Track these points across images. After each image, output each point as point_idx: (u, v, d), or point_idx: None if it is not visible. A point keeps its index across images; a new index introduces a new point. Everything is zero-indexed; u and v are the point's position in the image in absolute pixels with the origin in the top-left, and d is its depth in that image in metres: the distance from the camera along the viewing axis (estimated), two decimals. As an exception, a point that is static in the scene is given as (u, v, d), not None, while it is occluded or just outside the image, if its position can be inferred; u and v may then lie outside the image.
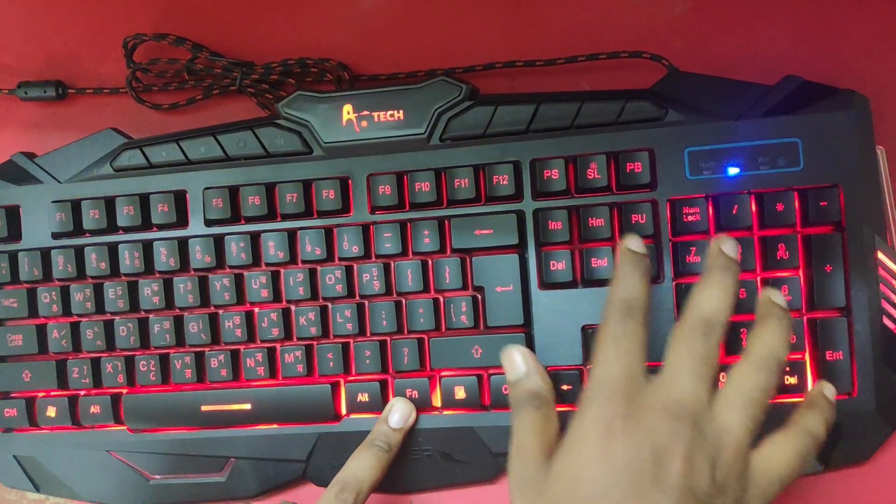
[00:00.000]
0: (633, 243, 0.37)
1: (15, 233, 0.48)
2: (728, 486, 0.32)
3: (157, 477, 0.47)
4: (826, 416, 0.36)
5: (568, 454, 0.33)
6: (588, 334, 0.42)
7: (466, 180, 0.43)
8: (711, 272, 0.36)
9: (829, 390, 0.38)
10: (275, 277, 0.45)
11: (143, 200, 0.46)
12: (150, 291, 0.46)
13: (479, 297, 0.43)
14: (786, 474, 0.34)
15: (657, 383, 0.34)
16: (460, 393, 0.43)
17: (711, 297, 0.35)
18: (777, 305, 0.36)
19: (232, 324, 0.45)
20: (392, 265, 0.44)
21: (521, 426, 0.36)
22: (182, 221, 0.46)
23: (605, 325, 0.35)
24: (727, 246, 0.36)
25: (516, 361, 0.39)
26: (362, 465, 0.41)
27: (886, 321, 0.40)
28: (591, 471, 0.32)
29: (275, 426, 0.45)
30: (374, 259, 0.44)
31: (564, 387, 0.42)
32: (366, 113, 0.44)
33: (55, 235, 0.47)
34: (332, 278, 0.44)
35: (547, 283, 0.43)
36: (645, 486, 0.31)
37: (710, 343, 0.34)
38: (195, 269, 0.46)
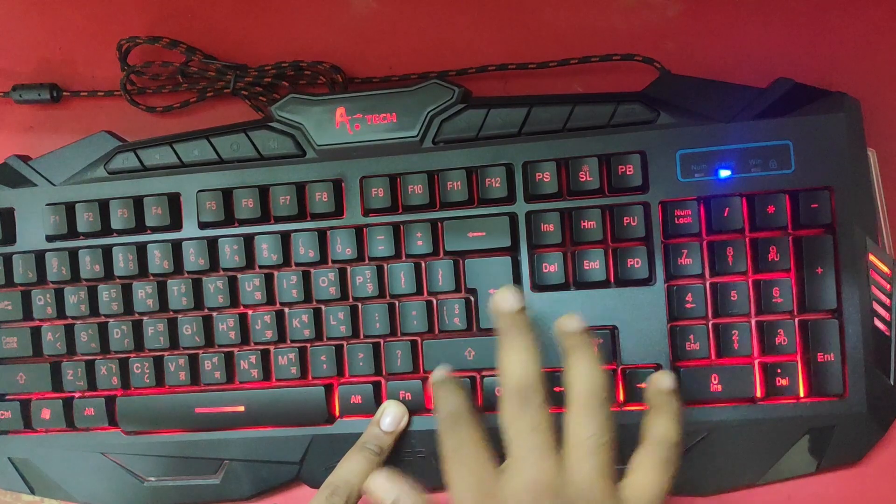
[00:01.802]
0: (508, 301, 0.36)
1: (9, 235, 0.48)
2: None
3: (152, 479, 0.47)
4: (672, 413, 0.37)
5: None
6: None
7: (459, 183, 0.43)
8: (502, 335, 0.36)
9: (663, 382, 0.37)
10: (268, 280, 0.45)
11: (137, 203, 0.46)
12: (143, 294, 0.46)
13: (472, 299, 0.43)
14: (658, 492, 0.35)
15: (508, 472, 0.35)
16: (453, 395, 0.43)
17: (513, 364, 0.35)
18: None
19: (226, 326, 0.45)
20: (385, 267, 0.44)
21: None
22: (176, 224, 0.46)
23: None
24: (507, 300, 0.36)
25: (384, 488, 0.40)
26: (353, 469, 0.41)
27: (877, 323, 0.41)
28: None
29: (269, 428, 0.45)
30: (367, 261, 0.44)
31: (557, 389, 0.42)
32: (359, 115, 0.45)
33: (49, 238, 0.47)
34: (325, 280, 0.44)
35: (539, 286, 0.43)
36: None
37: (531, 411, 0.34)
38: (189, 272, 0.46)
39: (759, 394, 0.41)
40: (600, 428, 0.34)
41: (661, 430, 0.36)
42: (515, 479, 0.34)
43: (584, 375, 0.35)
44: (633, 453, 0.36)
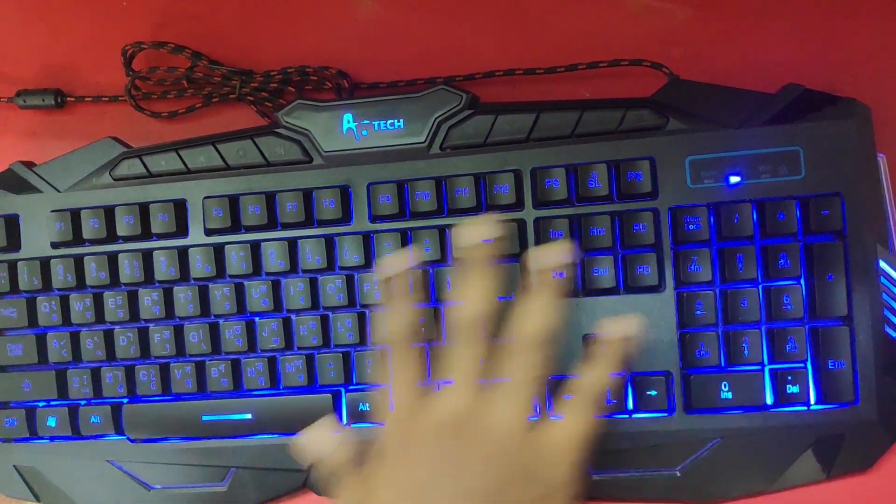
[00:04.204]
0: (391, 265, 0.38)
1: (14, 242, 0.47)
2: (525, 473, 0.34)
3: (158, 486, 0.47)
4: (610, 362, 0.37)
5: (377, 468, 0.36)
6: (590, 343, 0.42)
7: (467, 189, 0.43)
8: (467, 266, 0.37)
9: (619, 329, 0.37)
10: (275, 287, 0.45)
11: (143, 210, 0.46)
12: (150, 301, 0.46)
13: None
14: (572, 436, 0.36)
15: (436, 397, 0.36)
16: (461, 402, 0.43)
17: (470, 297, 0.37)
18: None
19: (232, 333, 0.45)
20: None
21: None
22: (182, 231, 0.46)
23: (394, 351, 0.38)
24: (464, 235, 0.37)
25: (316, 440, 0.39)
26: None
27: (888, 330, 0.40)
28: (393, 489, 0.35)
29: (276, 435, 0.45)
30: (374, 268, 0.44)
31: (566, 396, 0.42)
32: (366, 122, 0.44)
33: (54, 245, 0.47)
34: (332, 287, 0.44)
35: (548, 292, 0.43)
36: (444, 499, 0.33)
37: (471, 343, 0.36)
38: (195, 279, 0.46)
39: (769, 401, 0.41)
40: (528, 368, 0.36)
41: (595, 375, 0.37)
42: (437, 403, 0.36)
43: (530, 314, 0.36)
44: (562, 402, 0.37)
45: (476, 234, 0.37)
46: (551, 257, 0.37)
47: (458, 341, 0.37)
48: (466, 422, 0.35)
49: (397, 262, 0.39)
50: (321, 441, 0.38)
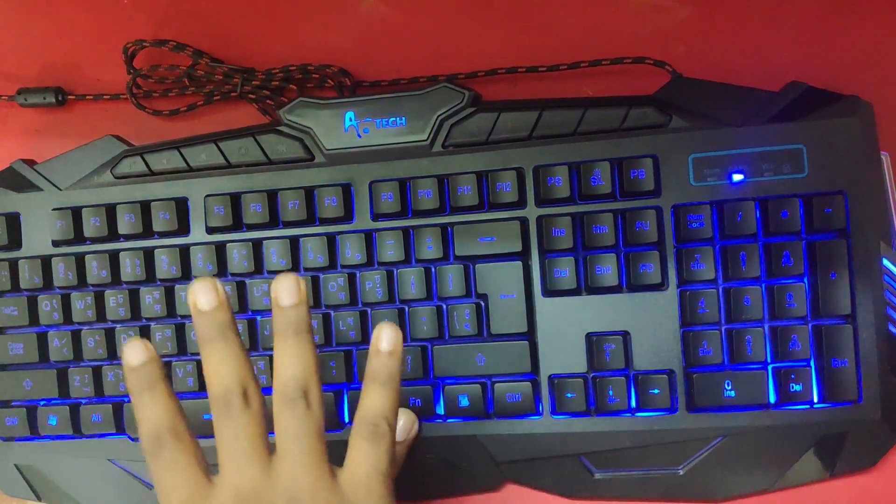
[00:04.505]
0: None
1: (15, 240, 0.47)
2: None
3: (159, 486, 0.46)
4: (384, 380, 0.35)
5: None
6: (592, 341, 0.42)
7: (469, 187, 0.43)
8: (203, 339, 0.34)
9: (381, 342, 0.35)
10: (277, 285, 0.45)
11: (145, 208, 0.46)
12: (151, 299, 0.46)
13: (483, 304, 0.43)
14: (371, 470, 0.34)
15: (216, 484, 0.33)
16: (463, 401, 0.43)
17: (215, 368, 0.33)
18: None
19: (234, 332, 0.45)
20: (395, 272, 0.44)
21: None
22: (183, 229, 0.46)
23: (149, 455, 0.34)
24: (205, 297, 0.34)
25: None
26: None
27: (892, 328, 0.40)
28: None
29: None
30: (376, 266, 0.44)
31: (569, 395, 0.42)
32: (368, 119, 0.44)
33: (56, 243, 0.47)
34: (334, 286, 0.44)
35: (551, 291, 0.43)
36: None
37: (234, 417, 0.33)
38: (197, 277, 0.45)
39: (772, 400, 0.41)
40: (300, 418, 0.33)
41: (369, 401, 0.35)
42: (220, 490, 0.33)
43: (285, 361, 0.34)
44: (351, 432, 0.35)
45: (211, 298, 0.34)
46: (284, 293, 0.34)
47: (217, 419, 0.33)
48: (255, 500, 0.32)
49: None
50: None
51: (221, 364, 0.33)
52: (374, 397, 0.35)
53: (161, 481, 0.33)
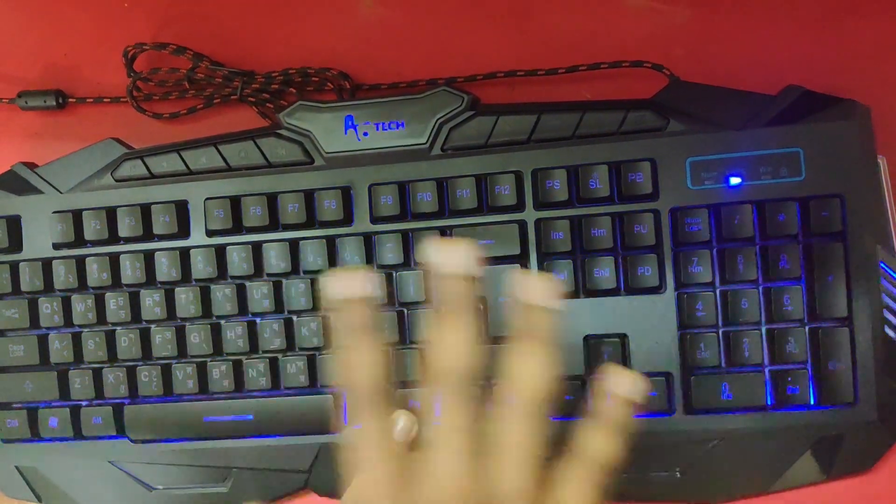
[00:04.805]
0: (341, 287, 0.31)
1: (16, 243, 0.48)
2: None
3: (159, 487, 0.47)
4: (618, 428, 0.32)
5: None
6: (590, 344, 0.42)
7: (468, 190, 0.43)
8: (445, 310, 0.31)
9: (622, 387, 0.32)
10: (276, 287, 0.45)
11: (145, 211, 0.46)
12: (151, 302, 0.46)
13: (481, 307, 0.43)
14: None
15: (426, 474, 0.31)
16: (463, 403, 0.43)
17: (450, 348, 0.31)
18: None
19: (234, 334, 0.45)
20: (394, 275, 0.44)
21: None
22: (183, 232, 0.46)
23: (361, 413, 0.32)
24: (446, 266, 0.31)
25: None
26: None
27: (888, 331, 0.41)
28: None
29: (277, 437, 0.45)
30: (375, 269, 0.44)
31: (567, 397, 0.42)
32: (367, 123, 0.44)
33: (56, 246, 0.47)
34: (333, 288, 0.44)
35: (549, 294, 0.43)
36: None
37: (460, 405, 0.30)
38: (197, 280, 0.46)
39: (769, 402, 0.41)
40: (535, 436, 0.31)
41: (601, 445, 0.32)
42: (433, 484, 0.30)
43: (530, 372, 0.31)
44: (563, 461, 0.32)
45: (456, 264, 0.30)
46: (541, 294, 0.31)
47: (443, 399, 0.30)
48: (463, 499, 0.30)
49: (349, 283, 0.31)
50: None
51: (459, 339, 0.30)
52: (611, 441, 0.32)
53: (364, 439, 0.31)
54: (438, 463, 0.31)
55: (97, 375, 0.47)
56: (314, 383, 0.45)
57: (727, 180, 0.41)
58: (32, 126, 0.52)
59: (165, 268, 0.46)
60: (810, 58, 0.45)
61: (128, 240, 0.46)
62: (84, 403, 0.47)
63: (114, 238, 0.46)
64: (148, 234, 0.46)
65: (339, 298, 0.31)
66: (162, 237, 0.46)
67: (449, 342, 0.31)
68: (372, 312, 0.31)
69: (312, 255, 0.44)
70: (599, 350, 0.42)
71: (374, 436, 0.32)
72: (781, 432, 0.41)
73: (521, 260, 0.43)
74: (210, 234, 0.46)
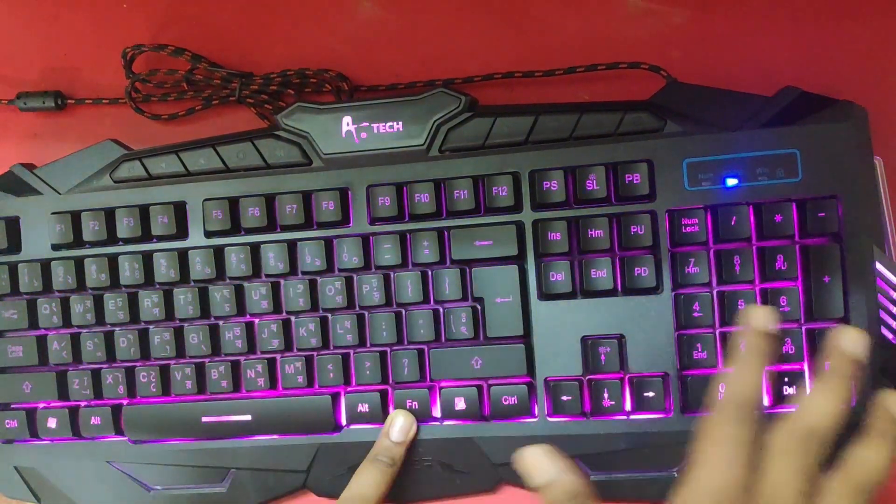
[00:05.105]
0: (760, 319, 0.35)
1: (14, 244, 0.48)
2: None
3: (158, 488, 0.47)
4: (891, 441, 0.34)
5: None
6: (587, 345, 0.42)
7: (466, 191, 0.43)
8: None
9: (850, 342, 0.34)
10: (275, 288, 0.45)
11: (143, 212, 0.46)
12: (150, 303, 0.46)
13: (479, 307, 0.43)
14: None
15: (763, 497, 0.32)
16: (460, 404, 0.43)
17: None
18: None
19: (232, 335, 0.45)
20: (392, 276, 0.44)
21: None
22: (182, 233, 0.46)
23: (713, 423, 0.34)
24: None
25: (543, 464, 0.37)
26: (368, 482, 0.41)
27: (885, 331, 0.41)
28: None
29: (275, 437, 0.45)
30: (373, 270, 0.44)
31: (564, 397, 0.42)
32: (365, 124, 0.45)
33: (55, 247, 0.47)
34: (332, 289, 0.44)
35: (547, 294, 0.43)
36: None
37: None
38: (195, 281, 0.46)
39: (766, 402, 0.41)
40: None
41: (872, 462, 0.33)
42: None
43: (871, 459, 0.33)
44: (832, 474, 0.33)
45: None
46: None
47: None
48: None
49: (761, 317, 0.35)
50: (546, 465, 0.36)
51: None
52: (880, 452, 0.34)
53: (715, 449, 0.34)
54: (779, 494, 0.32)
55: (96, 376, 0.47)
56: (312, 384, 0.45)
57: (724, 181, 0.42)
58: (31, 127, 0.52)
59: (164, 269, 0.46)
60: (807, 59, 0.45)
61: (126, 241, 0.46)
62: (83, 404, 0.47)
63: (112, 239, 0.46)
64: (146, 235, 0.46)
65: (753, 325, 0.35)
66: (160, 238, 0.46)
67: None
68: (771, 344, 0.35)
69: (311, 256, 0.44)
70: (597, 351, 0.42)
71: (729, 443, 0.33)
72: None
73: (519, 260, 0.43)
74: (208, 235, 0.46)
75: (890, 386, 0.40)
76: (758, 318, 0.35)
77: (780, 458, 0.33)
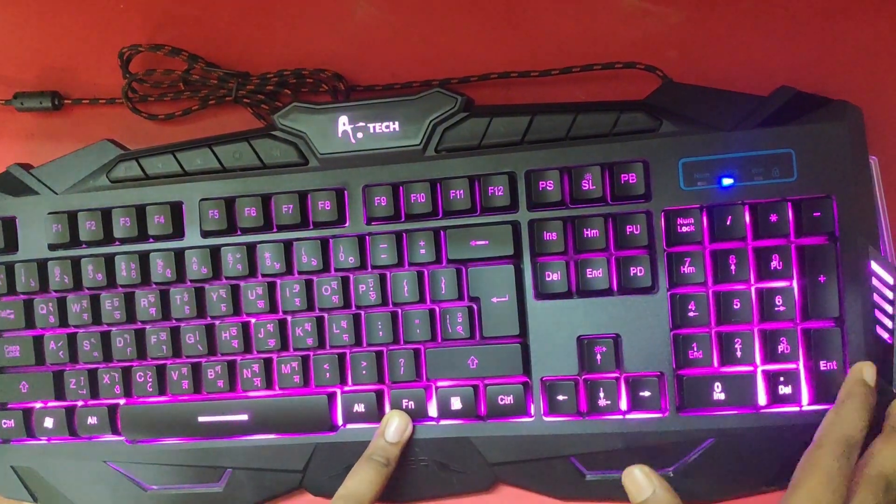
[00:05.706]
0: (868, 374, 0.39)
1: (11, 244, 0.48)
2: None
3: (155, 487, 0.47)
4: None
5: None
6: (583, 344, 0.42)
7: (462, 191, 0.43)
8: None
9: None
10: (271, 288, 0.45)
11: (140, 212, 0.46)
12: (146, 302, 0.46)
13: (475, 307, 0.43)
14: None
15: None
16: (456, 403, 0.43)
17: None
18: None
19: (228, 335, 0.45)
20: (388, 276, 0.44)
21: None
22: (178, 233, 0.46)
23: (819, 455, 0.36)
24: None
25: (641, 482, 0.38)
26: (363, 481, 0.41)
27: (880, 331, 0.41)
28: None
29: (272, 436, 0.45)
30: (369, 270, 0.44)
31: (560, 397, 0.42)
32: (361, 124, 0.45)
33: (52, 247, 0.47)
34: (328, 289, 0.44)
35: (542, 294, 0.43)
36: None
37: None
38: (191, 280, 0.46)
39: (761, 402, 0.41)
40: None
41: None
42: None
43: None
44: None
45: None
46: None
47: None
48: None
49: (870, 374, 0.40)
50: (643, 483, 0.37)
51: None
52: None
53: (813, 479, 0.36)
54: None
55: (92, 376, 0.47)
56: (308, 383, 0.45)
57: (719, 181, 0.42)
58: (28, 127, 0.53)
59: (160, 268, 0.46)
60: (802, 59, 0.45)
61: (123, 241, 0.47)
62: (79, 404, 0.47)
63: (109, 239, 0.47)
64: (143, 235, 0.46)
65: (865, 378, 0.39)
66: (157, 238, 0.46)
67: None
68: (875, 398, 0.39)
69: (307, 256, 0.45)
70: (592, 350, 0.42)
71: (832, 475, 0.35)
72: (774, 432, 0.41)
73: (515, 260, 0.43)
74: (205, 234, 0.46)
75: (885, 385, 0.40)
76: (868, 374, 0.39)
77: (863, 492, 0.36)
